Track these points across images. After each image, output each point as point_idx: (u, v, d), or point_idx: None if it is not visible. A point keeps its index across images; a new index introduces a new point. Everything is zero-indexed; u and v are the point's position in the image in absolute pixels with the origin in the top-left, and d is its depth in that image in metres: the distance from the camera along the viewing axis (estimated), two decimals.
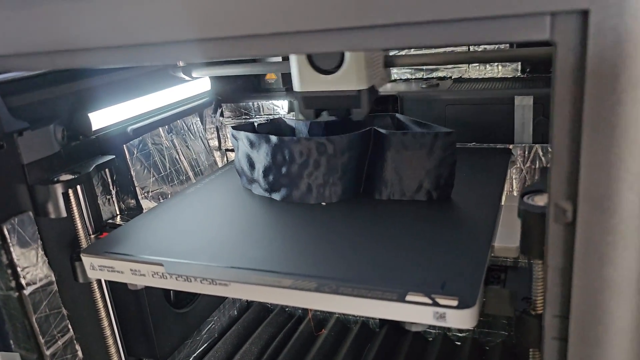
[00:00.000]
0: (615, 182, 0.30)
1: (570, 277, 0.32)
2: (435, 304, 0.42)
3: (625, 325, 0.32)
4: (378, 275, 0.47)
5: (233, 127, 0.70)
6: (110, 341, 0.69)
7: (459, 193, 0.63)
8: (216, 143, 0.97)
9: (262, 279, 0.49)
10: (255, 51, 0.35)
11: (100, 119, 0.69)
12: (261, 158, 0.66)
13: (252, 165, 0.68)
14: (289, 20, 0.32)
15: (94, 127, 0.68)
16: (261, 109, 0.94)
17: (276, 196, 0.67)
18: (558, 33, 0.29)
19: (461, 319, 0.42)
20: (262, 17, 0.33)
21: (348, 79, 0.64)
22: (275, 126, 0.75)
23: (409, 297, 0.43)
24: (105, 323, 0.69)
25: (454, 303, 0.42)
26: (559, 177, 0.31)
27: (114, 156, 0.68)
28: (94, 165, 0.64)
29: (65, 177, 0.61)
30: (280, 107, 0.93)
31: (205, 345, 0.92)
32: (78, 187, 0.64)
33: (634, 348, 0.33)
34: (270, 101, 0.94)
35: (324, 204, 0.64)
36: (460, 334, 0.94)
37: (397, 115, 0.71)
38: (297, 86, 0.66)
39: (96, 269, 0.57)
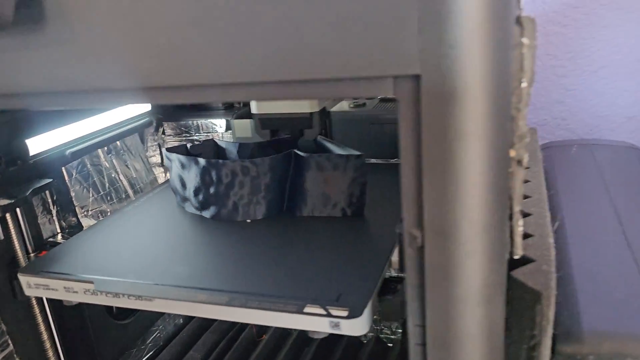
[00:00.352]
0: (452, 214, 0.36)
1: (424, 292, 0.38)
2: (329, 315, 0.48)
3: (471, 332, 0.38)
4: (284, 289, 0.53)
5: (167, 149, 0.75)
6: (50, 353, 0.73)
7: (373, 209, 0.69)
8: (158, 160, 1.01)
9: (181, 295, 0.54)
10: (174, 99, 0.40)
11: (38, 144, 0.73)
12: (192, 178, 0.71)
13: (184, 185, 0.73)
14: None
15: (32, 152, 0.71)
16: (200, 128, 0.99)
17: (206, 214, 0.72)
18: (399, 92, 0.35)
19: (352, 327, 0.48)
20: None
21: (301, 103, 0.71)
22: (207, 147, 0.80)
23: (307, 309, 0.49)
24: (45, 337, 0.72)
25: (345, 313, 0.48)
26: (409, 209, 0.37)
27: (51, 179, 0.72)
28: (30, 190, 0.68)
29: (2, 201, 0.65)
30: (218, 125, 0.98)
31: (150, 353, 0.96)
32: (17, 209, 0.68)
33: (480, 351, 0.39)
34: (209, 120, 0.98)
35: (249, 221, 0.70)
36: (392, 337, 1.00)
37: (319, 138, 0.77)
38: (254, 108, 0.72)
39: (32, 287, 0.61)
